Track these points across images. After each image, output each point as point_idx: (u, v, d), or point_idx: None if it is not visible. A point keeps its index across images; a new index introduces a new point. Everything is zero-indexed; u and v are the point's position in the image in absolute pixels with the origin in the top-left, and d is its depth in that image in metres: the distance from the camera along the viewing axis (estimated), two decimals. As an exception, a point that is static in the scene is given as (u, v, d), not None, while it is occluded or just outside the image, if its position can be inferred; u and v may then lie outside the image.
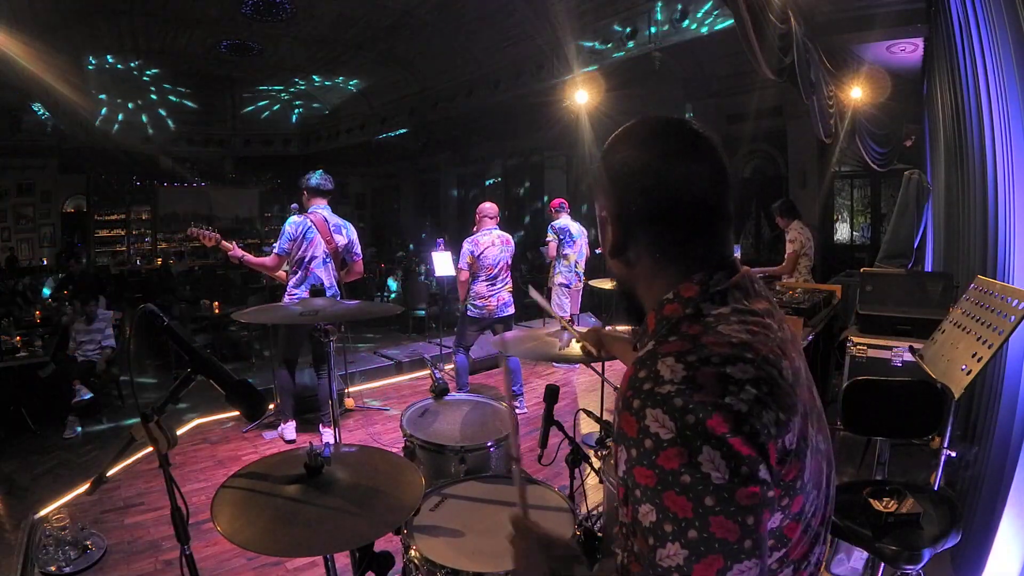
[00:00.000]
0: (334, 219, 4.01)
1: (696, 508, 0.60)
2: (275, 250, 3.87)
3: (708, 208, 0.78)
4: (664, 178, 0.76)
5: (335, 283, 3.99)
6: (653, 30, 7.05)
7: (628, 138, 0.82)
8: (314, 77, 11.43)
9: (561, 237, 6.09)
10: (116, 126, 11.93)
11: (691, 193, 0.77)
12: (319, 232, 3.90)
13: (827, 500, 0.77)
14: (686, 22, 6.65)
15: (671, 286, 0.78)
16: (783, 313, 0.87)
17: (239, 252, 3.80)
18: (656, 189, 0.77)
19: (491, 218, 4.48)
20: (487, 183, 14.86)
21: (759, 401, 0.64)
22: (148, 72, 11.10)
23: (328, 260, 3.95)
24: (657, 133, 0.80)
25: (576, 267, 6.13)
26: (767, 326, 0.75)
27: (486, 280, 4.38)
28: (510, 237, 4.55)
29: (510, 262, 4.53)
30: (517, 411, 4.55)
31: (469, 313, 4.42)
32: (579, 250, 6.16)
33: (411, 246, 11.74)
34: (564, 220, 6.12)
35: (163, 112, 12.99)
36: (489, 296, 4.39)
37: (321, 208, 3.99)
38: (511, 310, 4.52)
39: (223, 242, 3.77)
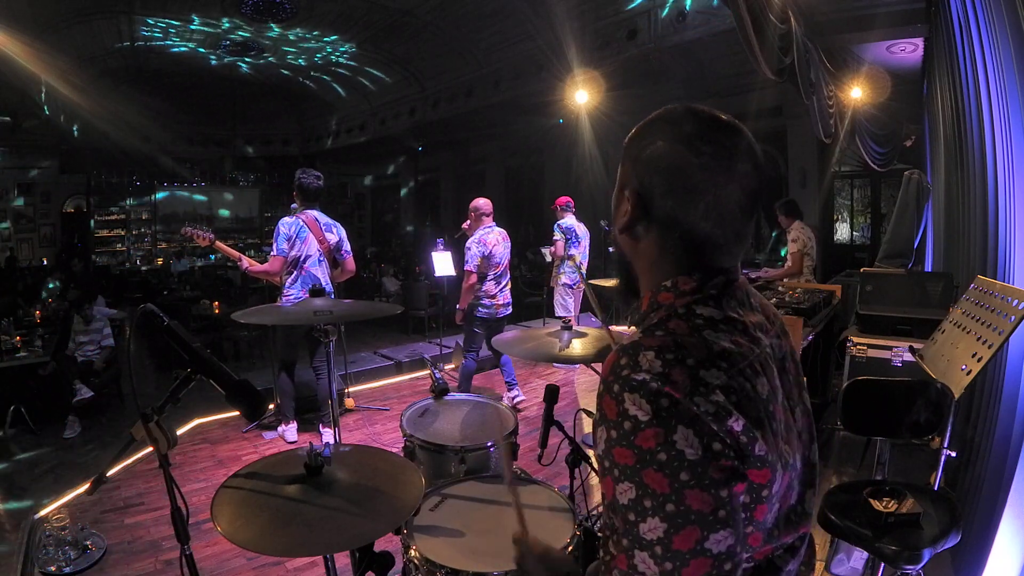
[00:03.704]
0: (324, 218, 4.05)
1: (672, 483, 0.64)
2: (274, 252, 3.89)
3: (728, 228, 0.77)
4: (696, 186, 0.75)
5: (329, 282, 4.01)
6: (654, 28, 7.04)
7: (670, 127, 0.78)
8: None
9: (568, 237, 6.03)
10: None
11: (717, 209, 0.75)
12: (311, 231, 3.93)
13: (802, 515, 0.81)
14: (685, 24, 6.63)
15: (670, 275, 0.79)
16: (782, 326, 0.88)
17: (245, 264, 3.91)
18: (684, 193, 0.75)
19: (488, 215, 4.40)
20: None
21: (724, 408, 0.67)
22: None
23: (322, 259, 3.98)
24: (702, 136, 0.75)
25: (580, 268, 6.11)
26: (756, 340, 0.77)
27: (494, 279, 4.33)
28: (507, 233, 4.52)
29: (509, 258, 4.52)
30: (515, 398, 4.56)
31: (477, 314, 4.34)
32: (583, 251, 6.14)
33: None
34: (570, 220, 6.07)
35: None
36: (497, 294, 4.35)
37: (311, 208, 4.03)
38: (511, 309, 4.52)
39: (222, 246, 3.82)
